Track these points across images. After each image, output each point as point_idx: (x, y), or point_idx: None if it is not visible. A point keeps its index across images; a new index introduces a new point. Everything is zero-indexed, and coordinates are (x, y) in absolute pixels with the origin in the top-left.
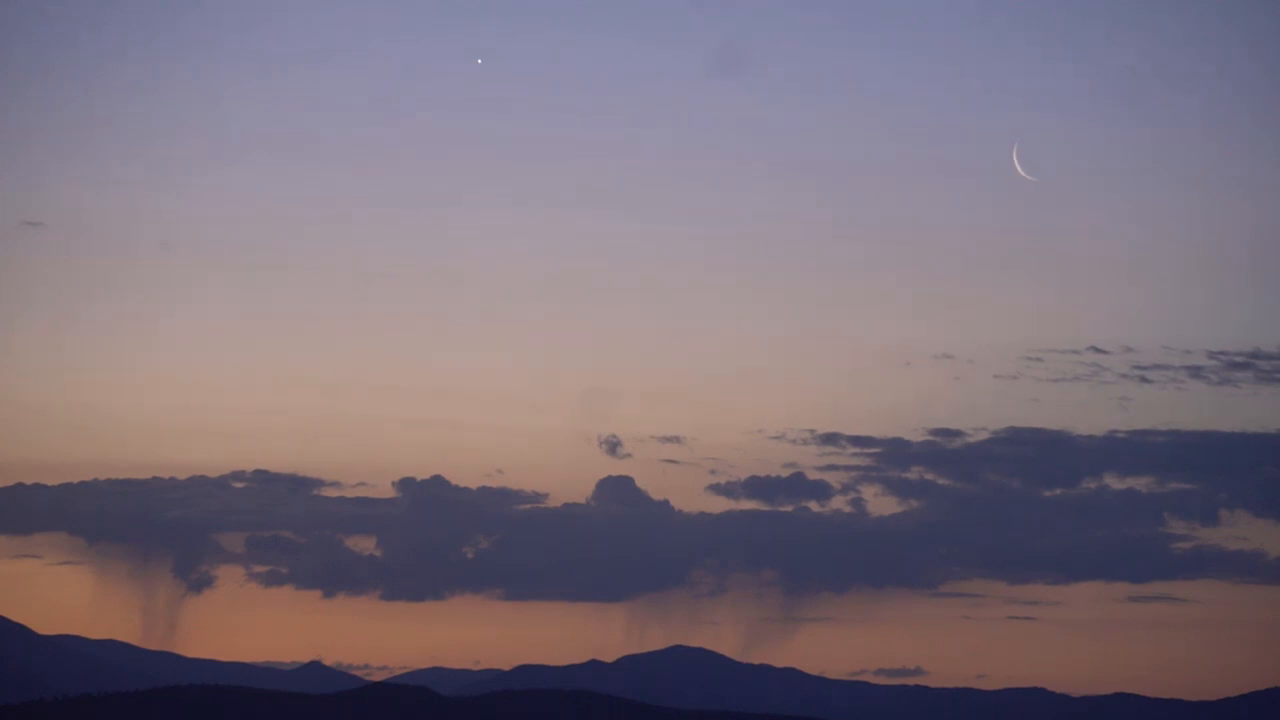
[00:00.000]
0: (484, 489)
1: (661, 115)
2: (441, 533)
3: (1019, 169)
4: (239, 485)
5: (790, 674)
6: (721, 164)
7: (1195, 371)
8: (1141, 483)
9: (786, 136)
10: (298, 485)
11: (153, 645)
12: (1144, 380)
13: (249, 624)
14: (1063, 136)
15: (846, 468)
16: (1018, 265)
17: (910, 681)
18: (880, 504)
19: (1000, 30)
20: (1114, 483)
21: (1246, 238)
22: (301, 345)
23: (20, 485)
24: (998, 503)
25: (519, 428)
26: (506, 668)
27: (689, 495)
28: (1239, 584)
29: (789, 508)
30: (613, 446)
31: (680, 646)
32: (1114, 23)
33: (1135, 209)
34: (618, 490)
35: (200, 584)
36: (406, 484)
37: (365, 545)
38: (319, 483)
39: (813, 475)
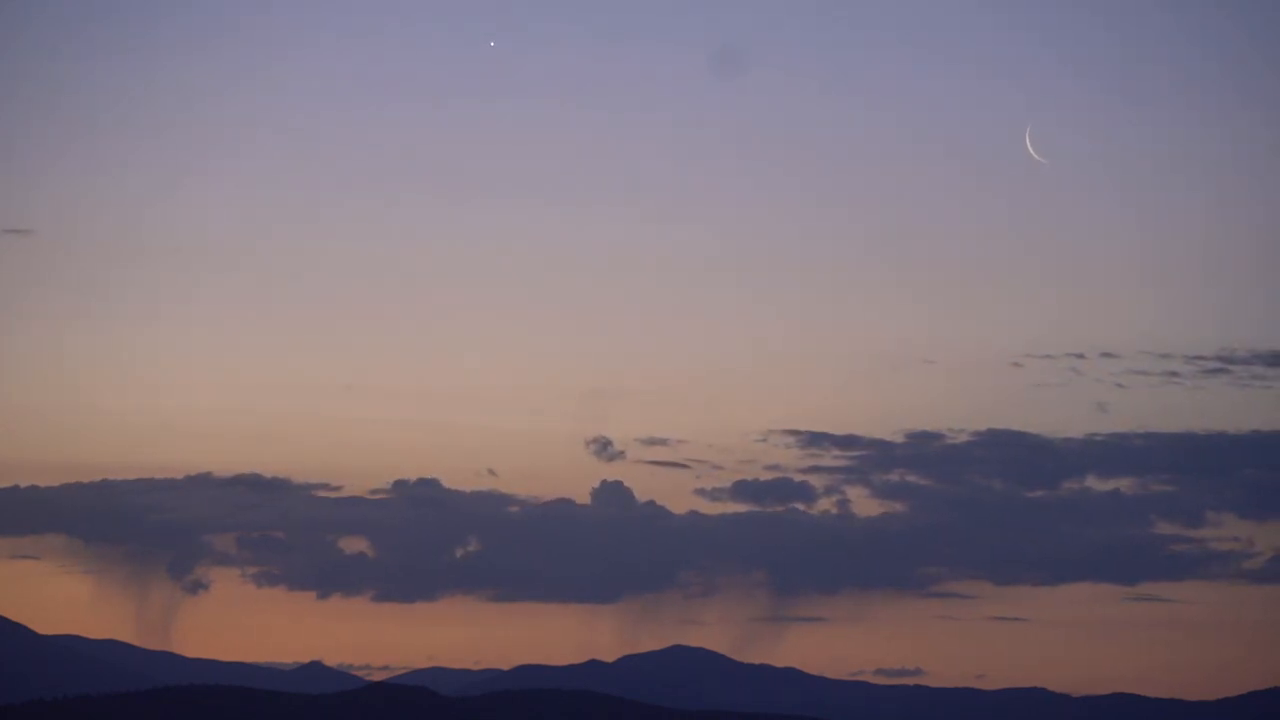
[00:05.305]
0: (476, 491)
1: (657, 114)
2: (434, 534)
3: (1032, 152)
4: (233, 486)
5: (790, 674)
6: (713, 166)
7: (1171, 376)
8: (1123, 484)
9: (777, 140)
10: (292, 487)
11: (152, 645)
12: (1119, 386)
13: (246, 625)
14: (1048, 145)
15: (830, 470)
16: (1000, 273)
17: (910, 681)
18: (865, 506)
19: (997, 33)
20: (1095, 485)
21: (1223, 244)
22: (295, 346)
23: (17, 487)
24: (980, 505)
25: (511, 430)
26: (506, 668)
27: (679, 497)
28: (1228, 585)
29: (779, 509)
30: (603, 447)
31: (680, 646)
32: (1113, 25)
33: (1115, 217)
34: (609, 492)
35: (196, 585)
36: (400, 486)
37: (358, 546)
38: (313, 484)
39: (797, 478)
